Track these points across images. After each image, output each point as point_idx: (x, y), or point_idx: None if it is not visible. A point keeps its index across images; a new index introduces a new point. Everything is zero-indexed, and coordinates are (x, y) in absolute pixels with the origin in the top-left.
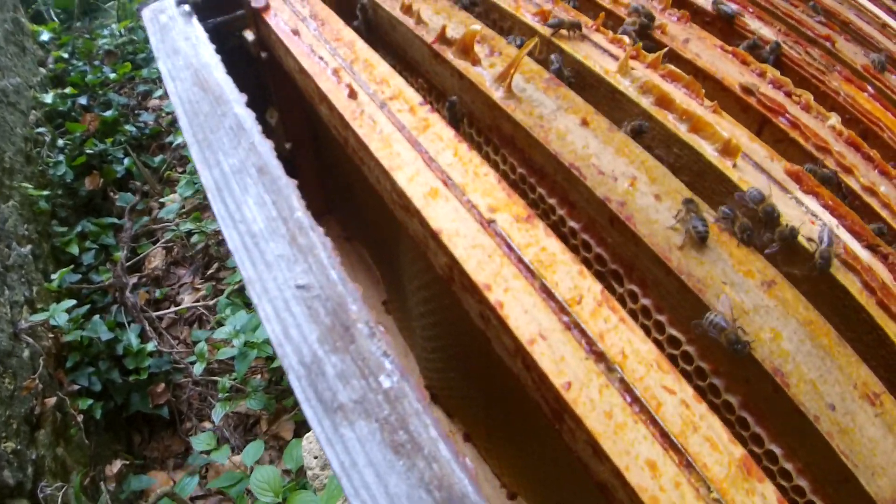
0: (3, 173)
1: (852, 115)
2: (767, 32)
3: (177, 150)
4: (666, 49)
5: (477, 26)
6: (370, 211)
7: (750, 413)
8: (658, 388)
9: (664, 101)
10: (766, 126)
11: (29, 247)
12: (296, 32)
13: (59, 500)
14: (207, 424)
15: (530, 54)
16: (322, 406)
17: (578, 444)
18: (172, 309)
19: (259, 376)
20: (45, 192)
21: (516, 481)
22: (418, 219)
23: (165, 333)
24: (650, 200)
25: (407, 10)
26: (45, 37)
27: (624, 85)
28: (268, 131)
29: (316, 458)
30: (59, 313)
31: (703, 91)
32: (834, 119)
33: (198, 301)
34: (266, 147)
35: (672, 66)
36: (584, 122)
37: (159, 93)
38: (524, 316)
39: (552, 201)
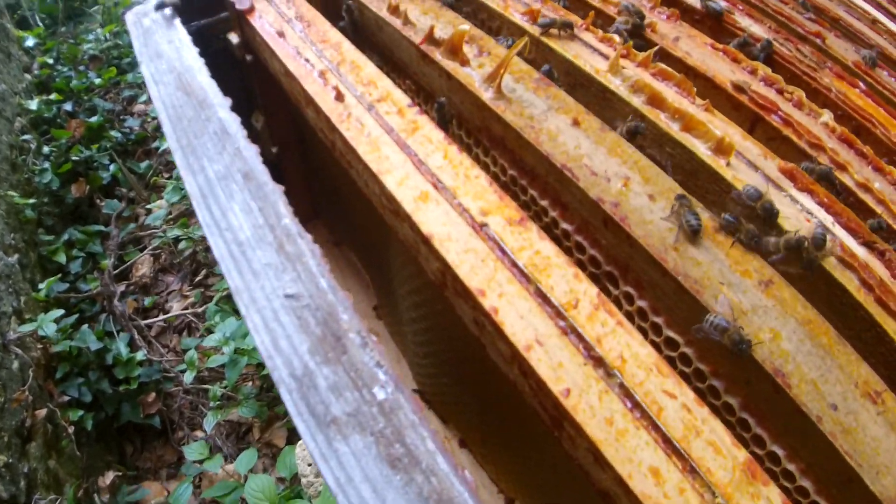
0: None
1: (844, 112)
2: (758, 30)
3: (163, 155)
4: (656, 48)
5: (465, 26)
6: (358, 215)
7: (751, 414)
8: (659, 393)
9: (656, 100)
10: (759, 124)
11: (16, 256)
12: (281, 34)
13: None
14: (199, 433)
15: (520, 54)
16: (315, 420)
17: (579, 452)
18: (161, 317)
19: (250, 383)
20: (32, 201)
21: (514, 487)
22: (409, 223)
23: (155, 342)
24: (644, 201)
25: (394, 10)
26: (30, 42)
27: (615, 84)
28: (253, 135)
29: (310, 465)
30: (48, 323)
31: (695, 89)
32: (826, 116)
33: (186, 308)
34: (252, 152)
35: (663, 65)
36: (576, 122)
37: (145, 97)
38: (520, 322)
39: (544, 203)
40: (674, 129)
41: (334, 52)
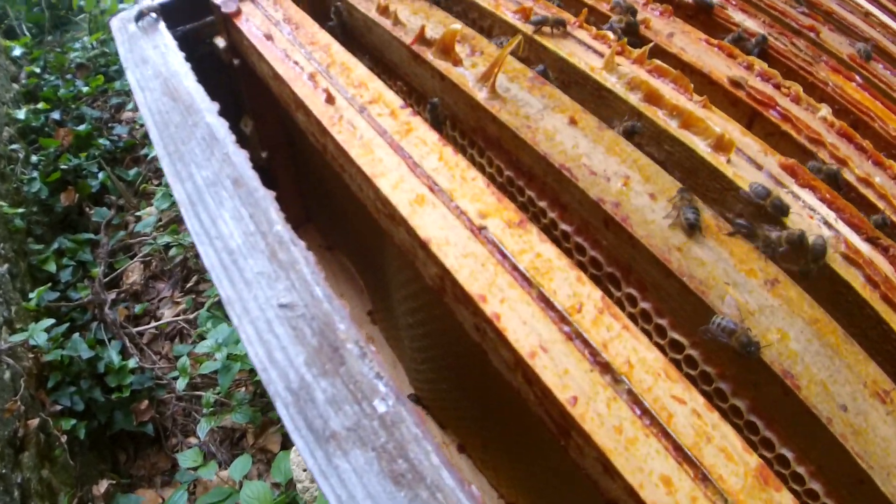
0: None
1: (842, 106)
2: (752, 24)
3: (151, 162)
4: (651, 44)
5: (457, 26)
6: (352, 219)
7: (759, 417)
8: (668, 399)
9: (653, 97)
10: (757, 119)
11: (6, 266)
12: (269, 37)
13: None
14: (193, 440)
15: (513, 53)
16: (313, 435)
17: (587, 461)
18: (153, 324)
19: (243, 389)
20: (21, 210)
21: (515, 492)
22: (405, 227)
23: (146, 349)
24: (645, 200)
25: (383, 11)
26: (17, 52)
27: (611, 82)
28: (242, 140)
29: (305, 470)
30: (39, 333)
31: (692, 86)
32: (825, 110)
33: (178, 315)
34: (241, 157)
35: (658, 62)
36: (573, 121)
37: (132, 105)
38: (523, 327)
39: (542, 204)
40: (672, 126)
41: (323, 54)
